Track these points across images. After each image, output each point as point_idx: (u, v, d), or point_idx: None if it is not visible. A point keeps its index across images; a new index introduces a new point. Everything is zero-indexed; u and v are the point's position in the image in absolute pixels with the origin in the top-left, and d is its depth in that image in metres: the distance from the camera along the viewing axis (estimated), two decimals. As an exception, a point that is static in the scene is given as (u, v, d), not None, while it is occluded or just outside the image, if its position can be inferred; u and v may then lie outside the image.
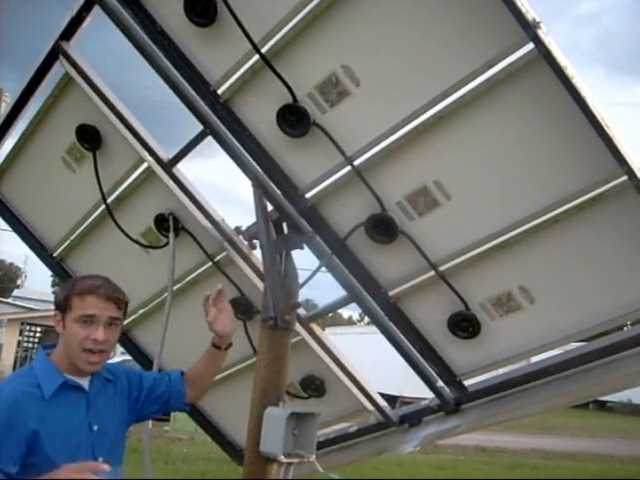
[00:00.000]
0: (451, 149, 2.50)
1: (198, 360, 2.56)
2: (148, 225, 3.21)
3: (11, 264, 56.32)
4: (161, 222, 3.16)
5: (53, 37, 2.95)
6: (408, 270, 2.76)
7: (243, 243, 3.16)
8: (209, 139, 2.87)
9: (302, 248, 2.90)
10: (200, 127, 2.85)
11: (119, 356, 13.89)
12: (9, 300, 31.43)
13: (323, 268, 2.90)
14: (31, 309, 27.91)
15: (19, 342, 24.79)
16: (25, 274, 55.33)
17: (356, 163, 2.61)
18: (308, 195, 2.78)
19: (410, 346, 2.98)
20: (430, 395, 3.12)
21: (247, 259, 3.16)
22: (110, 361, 2.28)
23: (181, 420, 12.28)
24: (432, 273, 2.71)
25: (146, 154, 3.04)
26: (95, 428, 2.11)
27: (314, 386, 3.35)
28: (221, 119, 2.77)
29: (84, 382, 2.15)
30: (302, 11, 2.43)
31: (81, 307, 2.07)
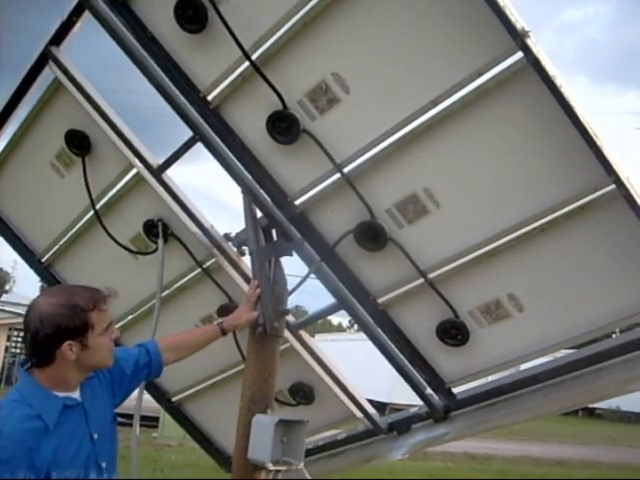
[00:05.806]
0: (441, 157, 2.51)
1: (189, 332, 2.80)
2: (137, 231, 3.20)
3: (-1, 269, 55.87)
4: (150, 228, 3.15)
5: (43, 42, 2.94)
6: (397, 277, 2.77)
7: (232, 249, 3.15)
8: (199, 145, 2.86)
9: (291, 255, 2.90)
10: (190, 133, 2.85)
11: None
12: (-3, 305, 31.18)
13: (312, 275, 2.90)
14: (19, 314, 27.65)
15: (7, 348, 24.58)
16: (13, 279, 54.88)
17: (346, 170, 2.61)
18: (297, 202, 2.78)
19: (399, 353, 2.98)
20: (420, 402, 3.12)
21: (236, 266, 3.15)
22: None
23: (169, 426, 12.12)
24: (421, 281, 2.71)
25: (135, 160, 3.03)
26: (95, 437, 2.09)
27: (303, 393, 3.34)
28: (211, 125, 2.76)
29: (76, 394, 2.12)
30: (292, 18, 2.44)
31: (103, 319, 2.05)
